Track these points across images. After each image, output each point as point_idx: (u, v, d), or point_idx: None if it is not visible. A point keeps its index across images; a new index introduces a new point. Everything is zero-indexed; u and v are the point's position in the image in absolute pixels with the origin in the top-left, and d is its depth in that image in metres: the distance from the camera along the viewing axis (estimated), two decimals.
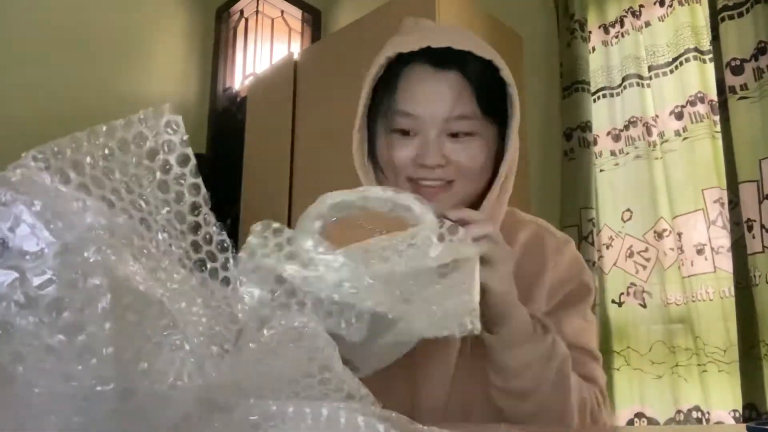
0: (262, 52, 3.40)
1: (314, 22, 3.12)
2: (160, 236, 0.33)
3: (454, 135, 0.71)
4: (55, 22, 3.03)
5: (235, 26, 3.59)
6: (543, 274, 0.77)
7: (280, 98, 2.53)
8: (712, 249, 1.63)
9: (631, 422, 1.67)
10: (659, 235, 1.76)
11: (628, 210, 1.85)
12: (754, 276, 1.40)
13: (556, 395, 0.65)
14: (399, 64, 0.71)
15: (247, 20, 3.54)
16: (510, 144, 0.76)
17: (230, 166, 2.85)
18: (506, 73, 0.73)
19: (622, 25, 1.94)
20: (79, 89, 3.07)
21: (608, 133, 1.93)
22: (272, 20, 3.38)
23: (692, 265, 1.65)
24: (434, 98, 0.70)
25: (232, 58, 3.56)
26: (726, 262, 1.56)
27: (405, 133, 0.72)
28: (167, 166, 0.33)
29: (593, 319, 0.82)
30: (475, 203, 0.75)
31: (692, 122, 1.71)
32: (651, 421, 1.65)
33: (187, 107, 3.58)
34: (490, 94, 0.73)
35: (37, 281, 0.26)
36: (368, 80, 0.73)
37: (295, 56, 2.62)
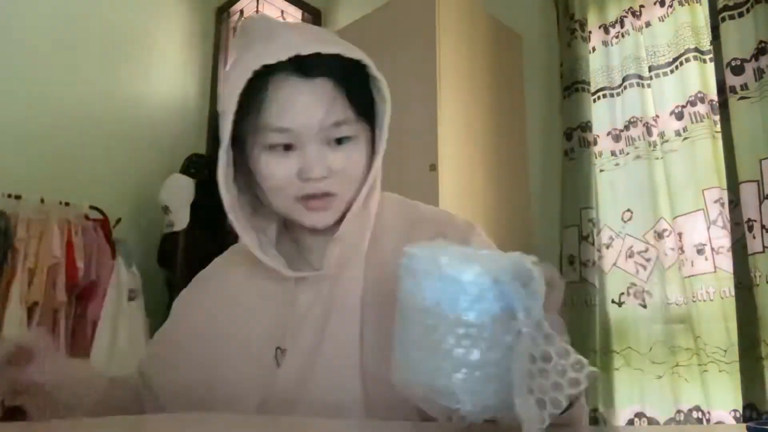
0: None
1: (314, 22, 3.12)
2: None
3: (336, 142, 0.69)
4: (55, 22, 3.03)
5: (235, 26, 3.59)
6: None
7: None
8: (713, 249, 1.63)
9: (631, 422, 1.67)
10: (659, 236, 1.76)
11: (629, 210, 1.85)
12: (755, 276, 1.40)
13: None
14: (263, 74, 0.66)
15: None
16: (381, 143, 0.73)
17: None
18: (374, 70, 0.71)
19: (622, 26, 1.94)
20: (80, 90, 3.07)
21: (608, 134, 1.94)
22: None
23: (692, 265, 1.65)
24: (307, 109, 0.67)
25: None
26: (726, 262, 1.56)
27: (286, 147, 0.68)
28: None
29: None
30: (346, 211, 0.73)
31: (692, 122, 1.71)
32: (651, 421, 1.65)
33: (187, 107, 3.57)
34: (362, 95, 0.71)
35: None
36: (234, 95, 0.67)
37: None
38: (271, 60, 0.65)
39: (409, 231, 0.77)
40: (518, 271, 0.40)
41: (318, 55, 0.66)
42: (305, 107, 0.67)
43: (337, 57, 0.67)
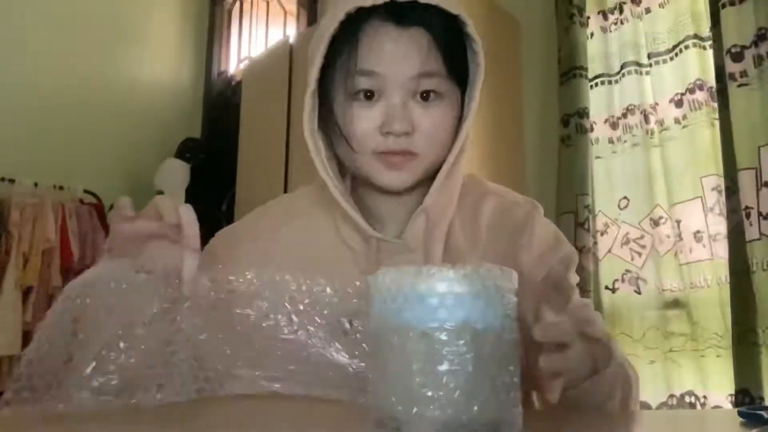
0: (258, 35, 3.37)
1: (310, 5, 3.08)
2: None
3: (422, 97, 0.67)
4: (50, 7, 2.99)
5: (230, 9, 3.55)
6: (521, 239, 0.73)
7: (276, 82, 2.51)
8: (710, 236, 1.63)
9: None
10: (655, 223, 1.77)
11: (625, 198, 1.85)
12: (752, 263, 1.41)
13: (620, 407, 0.63)
14: (357, 20, 0.65)
15: (242, 3, 3.50)
16: (471, 107, 0.71)
17: (225, 150, 2.84)
18: (472, 30, 0.68)
19: (621, 12, 1.92)
20: (74, 73, 3.04)
21: (606, 121, 1.93)
22: (267, 3, 3.34)
23: (690, 252, 1.66)
24: (400, 56, 0.65)
25: (226, 41, 3.52)
26: (723, 250, 1.57)
27: (368, 96, 0.66)
28: None
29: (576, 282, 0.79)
30: (432, 176, 0.71)
31: (691, 110, 1.71)
32: (644, 405, 1.67)
33: (181, 91, 3.55)
34: (456, 52, 0.68)
35: None
36: (324, 38, 0.65)
37: (291, 40, 2.60)
38: (366, 3, 0.63)
39: (477, 204, 0.76)
40: (482, 286, 0.40)
41: (415, 2, 0.63)
42: (396, 54, 0.65)
43: (435, 8, 0.64)
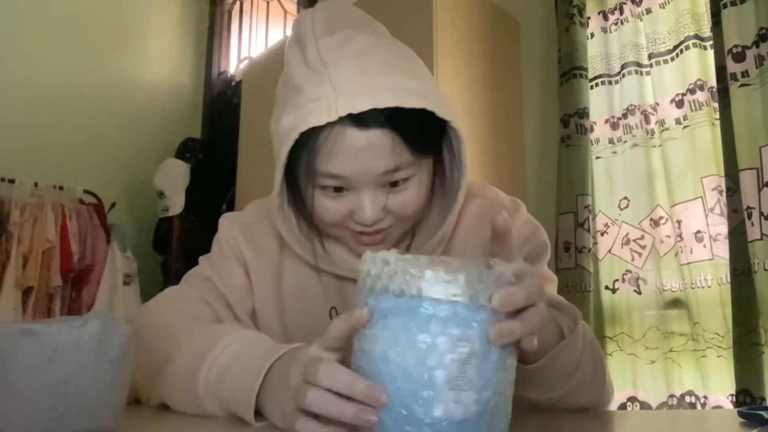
0: (258, 35, 3.37)
1: (309, 6, 3.09)
2: None
3: (392, 185, 0.65)
4: (50, 8, 2.99)
5: (230, 9, 3.55)
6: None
7: (276, 82, 2.50)
8: (711, 237, 1.63)
9: (623, 406, 1.69)
10: (656, 223, 1.77)
11: (626, 198, 1.85)
12: (754, 263, 1.41)
13: (594, 382, 0.64)
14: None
15: (242, 3, 3.50)
16: (462, 179, 0.70)
17: (225, 150, 2.84)
18: (445, 112, 0.64)
19: (621, 12, 1.92)
20: (74, 73, 3.04)
21: (606, 121, 1.93)
22: (267, 3, 3.34)
23: (691, 252, 1.66)
24: (362, 159, 0.62)
25: (226, 41, 3.52)
26: (723, 250, 1.57)
27: (336, 188, 0.65)
28: None
29: (555, 277, 0.79)
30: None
31: (692, 110, 1.71)
32: (643, 405, 1.67)
33: (181, 91, 3.54)
34: (424, 136, 0.66)
35: None
36: (282, 150, 0.64)
37: None
38: (321, 122, 0.61)
39: (459, 214, 0.76)
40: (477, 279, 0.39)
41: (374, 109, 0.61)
42: (359, 158, 0.62)
43: (395, 109, 0.61)
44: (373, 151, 0.62)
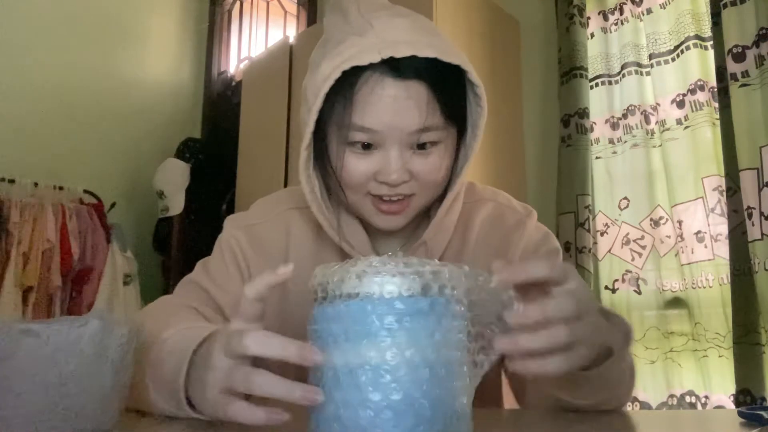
0: (257, 35, 3.37)
1: (310, 5, 3.08)
2: None
3: (419, 146, 0.66)
4: (50, 8, 2.99)
5: (230, 9, 3.55)
6: (508, 250, 0.75)
7: (276, 82, 2.51)
8: (711, 237, 1.63)
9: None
10: (656, 223, 1.77)
11: (626, 198, 1.85)
12: (754, 263, 1.41)
13: (628, 391, 0.64)
14: (352, 69, 0.63)
15: (242, 3, 3.50)
16: (473, 148, 0.71)
17: (225, 150, 2.84)
18: (473, 75, 0.67)
19: (621, 12, 1.92)
20: (74, 73, 3.04)
21: (606, 121, 1.93)
22: (267, 3, 3.34)
23: (692, 252, 1.66)
24: (397, 112, 0.63)
25: (226, 41, 3.52)
26: (724, 250, 1.57)
27: (364, 146, 0.65)
28: None
29: None
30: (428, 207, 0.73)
31: (693, 110, 1.71)
32: (643, 405, 1.67)
33: (181, 91, 3.54)
34: (456, 100, 0.67)
35: None
36: (320, 92, 0.63)
37: (291, 40, 2.60)
38: (363, 62, 0.62)
39: (469, 214, 0.77)
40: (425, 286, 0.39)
41: (413, 56, 0.62)
42: (394, 110, 0.63)
43: (433, 60, 0.63)
44: (408, 103, 0.63)
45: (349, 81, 0.63)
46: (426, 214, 0.75)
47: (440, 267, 0.41)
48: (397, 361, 0.37)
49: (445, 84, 0.65)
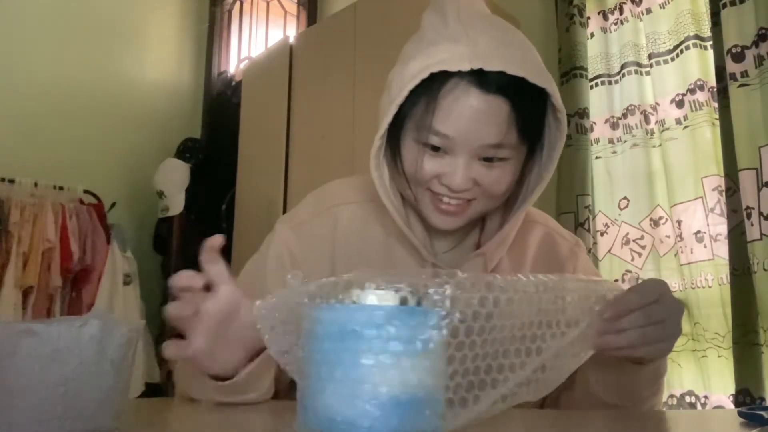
0: (257, 35, 3.37)
1: (310, 6, 3.09)
2: None
3: (486, 159, 0.67)
4: (50, 8, 2.99)
5: (230, 9, 3.55)
6: None
7: (276, 82, 2.51)
8: (711, 237, 1.63)
9: None
10: (655, 223, 1.77)
11: (625, 198, 1.85)
12: (753, 263, 1.41)
13: (659, 393, 0.69)
14: (440, 72, 0.64)
15: (242, 3, 3.50)
16: (548, 170, 0.72)
17: (225, 150, 2.84)
18: (557, 100, 0.67)
19: (621, 12, 1.92)
20: (73, 73, 3.04)
21: (606, 121, 1.93)
22: (267, 3, 3.34)
23: (692, 252, 1.66)
24: (476, 124, 0.64)
25: (226, 41, 3.52)
26: (723, 250, 1.57)
27: (434, 148, 0.66)
28: None
29: None
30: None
31: (692, 110, 1.71)
32: None
33: (181, 91, 3.54)
34: (534, 122, 0.68)
35: None
36: (404, 87, 0.65)
37: (291, 40, 2.60)
38: (452, 68, 0.63)
39: (524, 234, 0.78)
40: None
41: (502, 72, 0.62)
42: (473, 122, 0.64)
43: (521, 80, 0.63)
44: (488, 116, 0.64)
45: (435, 83, 0.64)
46: (480, 220, 0.77)
47: (439, 279, 0.43)
48: (389, 361, 0.39)
49: (528, 105, 0.65)
